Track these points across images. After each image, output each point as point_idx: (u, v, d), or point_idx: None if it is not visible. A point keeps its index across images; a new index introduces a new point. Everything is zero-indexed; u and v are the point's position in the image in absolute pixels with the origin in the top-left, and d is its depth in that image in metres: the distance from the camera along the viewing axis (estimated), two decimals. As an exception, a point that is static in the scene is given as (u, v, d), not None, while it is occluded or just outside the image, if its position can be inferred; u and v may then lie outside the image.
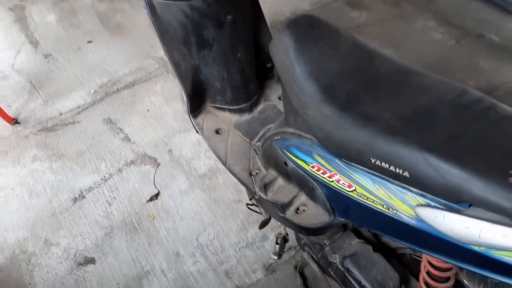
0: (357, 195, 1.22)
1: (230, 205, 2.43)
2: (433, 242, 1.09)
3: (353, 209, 1.33)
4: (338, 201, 1.38)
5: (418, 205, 1.06)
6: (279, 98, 2.13)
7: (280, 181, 1.71)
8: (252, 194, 1.97)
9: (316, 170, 1.36)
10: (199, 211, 2.41)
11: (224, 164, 1.96)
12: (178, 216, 2.40)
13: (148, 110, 3.00)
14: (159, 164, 2.66)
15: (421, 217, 1.06)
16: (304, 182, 1.51)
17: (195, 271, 2.17)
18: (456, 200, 0.98)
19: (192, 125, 2.10)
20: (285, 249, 1.91)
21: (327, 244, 1.58)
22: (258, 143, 1.98)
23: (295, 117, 1.43)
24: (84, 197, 2.51)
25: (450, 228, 1.00)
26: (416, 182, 1.04)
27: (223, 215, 2.39)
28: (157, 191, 2.52)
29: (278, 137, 1.57)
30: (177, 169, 2.63)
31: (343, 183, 1.25)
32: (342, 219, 1.43)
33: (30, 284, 2.12)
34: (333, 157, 1.24)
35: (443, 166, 0.95)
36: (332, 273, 1.56)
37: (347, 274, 1.48)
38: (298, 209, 1.55)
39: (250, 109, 2.11)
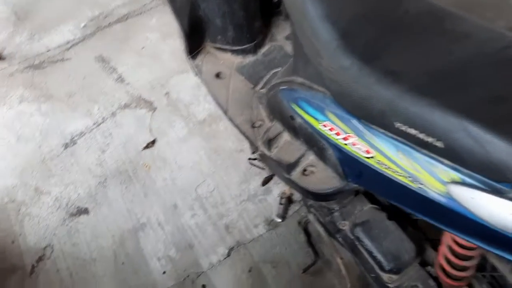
0: (375, 162, 1.05)
1: (231, 154, 2.28)
2: (464, 223, 0.93)
3: (369, 177, 1.17)
4: (352, 166, 1.21)
5: (451, 181, 0.88)
6: (287, 38, 1.88)
7: (286, 136, 1.54)
8: (254, 148, 1.81)
9: (329, 129, 1.18)
10: (198, 160, 2.28)
11: (225, 112, 1.78)
12: (176, 165, 2.27)
13: (143, 48, 2.76)
14: (156, 108, 2.49)
15: (452, 196, 0.90)
16: (313, 141, 1.34)
17: (193, 224, 2.08)
18: (498, 179, 0.80)
19: (191, 67, 1.89)
20: (290, 210, 1.79)
21: (336, 209, 1.44)
22: (263, 90, 1.78)
23: (305, 65, 1.22)
24: (75, 143, 2.37)
25: (488, 212, 0.84)
26: (450, 153, 0.86)
27: (224, 166, 2.25)
28: (153, 138, 2.37)
29: (285, 87, 1.37)
30: (174, 114, 2.46)
31: (359, 147, 1.07)
32: (356, 185, 1.27)
33: (20, 235, 2.06)
34: (350, 117, 1.06)
35: (484, 136, 0.77)
36: (340, 240, 1.44)
37: (357, 243, 1.35)
38: (305, 170, 1.40)
39: (254, 50, 1.88)
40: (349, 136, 1.09)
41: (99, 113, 2.48)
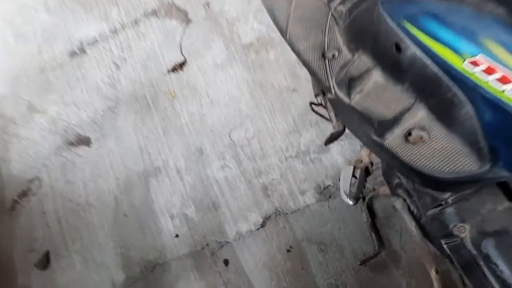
0: None
1: (281, 93, 1.77)
2: None
3: None
4: None
5: None
6: None
7: (378, 76, 1.06)
8: (321, 89, 1.30)
9: (482, 70, 0.68)
10: (238, 96, 1.79)
11: (283, 33, 1.28)
12: (208, 98, 1.79)
13: None
14: (190, 20, 1.96)
15: None
16: (433, 88, 0.84)
17: (222, 178, 1.64)
18: None
19: None
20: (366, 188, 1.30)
21: (450, 201, 0.93)
22: (341, 6, 1.24)
23: None
24: (84, 52, 1.91)
25: None
26: None
27: (270, 107, 1.76)
28: (183, 59, 1.87)
29: None
30: (214, 31, 1.93)
31: None
32: (506, 174, 0.76)
33: (4, 160, 1.68)
34: None
35: None
36: (445, 248, 0.95)
37: (481, 263, 0.86)
38: (409, 134, 0.90)
39: None
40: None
41: (118, 18, 1.98)
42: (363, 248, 1.50)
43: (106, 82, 1.84)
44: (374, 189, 1.61)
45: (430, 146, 0.87)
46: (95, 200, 1.61)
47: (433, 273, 1.03)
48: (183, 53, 1.89)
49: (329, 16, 1.26)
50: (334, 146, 1.68)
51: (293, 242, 1.52)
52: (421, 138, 0.90)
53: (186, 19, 1.97)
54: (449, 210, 0.93)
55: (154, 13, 1.99)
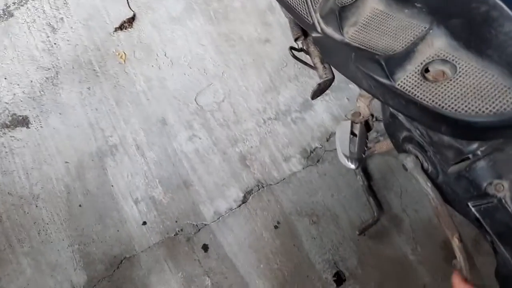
0: None
1: (251, 46, 1.53)
2: None
3: None
4: None
5: None
6: None
7: (376, 2, 0.85)
8: (301, 29, 1.07)
9: None
10: (201, 53, 1.53)
11: None
12: (166, 58, 1.52)
13: None
14: (136, -33, 1.66)
15: None
16: (460, 3, 0.63)
17: (191, 151, 1.40)
18: None
19: None
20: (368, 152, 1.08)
21: (480, 153, 0.73)
22: None
23: None
24: (11, 14, 1.59)
25: None
26: None
27: (240, 63, 1.51)
28: (132, 14, 1.59)
29: None
30: (165, -22, 1.64)
31: None
32: None
33: None
34: None
35: None
36: (475, 211, 0.76)
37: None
38: (427, 70, 0.69)
39: None
40: None
41: (49, -30, 1.66)
42: (360, 215, 1.33)
43: (42, 49, 1.54)
44: (368, 147, 1.42)
45: (459, 82, 0.66)
46: (41, 191, 1.35)
47: (455, 242, 0.85)
48: (131, 7, 1.60)
49: None
50: (317, 102, 1.46)
51: (281, 217, 1.33)
52: (443, 73, 0.70)
53: (131, -34, 1.67)
54: (481, 164, 0.74)
55: (92, -40, 1.68)
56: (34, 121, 1.44)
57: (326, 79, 1.06)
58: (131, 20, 1.58)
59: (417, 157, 0.89)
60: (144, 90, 1.49)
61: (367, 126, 0.98)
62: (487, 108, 0.61)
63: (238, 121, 1.45)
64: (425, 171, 0.88)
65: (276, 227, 1.33)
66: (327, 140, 1.43)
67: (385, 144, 1.34)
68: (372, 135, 1.39)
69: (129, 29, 1.57)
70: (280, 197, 1.36)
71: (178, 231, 1.32)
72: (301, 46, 1.14)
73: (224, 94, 1.48)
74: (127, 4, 1.60)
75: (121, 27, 1.57)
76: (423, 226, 1.32)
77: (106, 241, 1.31)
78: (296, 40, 1.15)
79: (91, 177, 1.38)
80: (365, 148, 0.94)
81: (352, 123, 0.96)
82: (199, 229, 1.32)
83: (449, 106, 0.64)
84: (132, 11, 1.59)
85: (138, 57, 1.53)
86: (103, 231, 1.31)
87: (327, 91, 1.45)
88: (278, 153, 1.41)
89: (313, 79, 1.47)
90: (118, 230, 1.32)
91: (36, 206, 1.34)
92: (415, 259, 1.28)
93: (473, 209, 0.77)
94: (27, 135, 1.42)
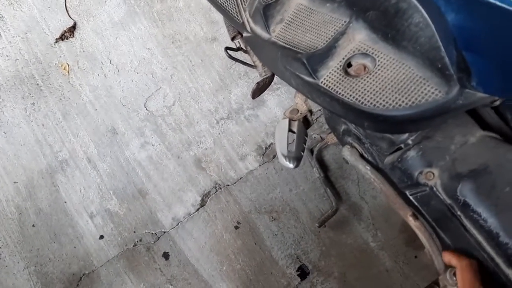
0: None
1: (198, 46, 1.51)
2: None
3: None
4: (496, 44, 0.50)
5: None
6: None
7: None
8: (236, 29, 1.06)
9: None
10: (147, 57, 1.50)
11: None
12: (111, 66, 1.49)
13: None
14: (73, -27, 1.61)
15: None
16: None
17: (144, 158, 1.39)
18: None
19: None
20: (310, 145, 1.08)
21: (411, 142, 0.74)
22: None
23: None
24: None
25: None
26: None
27: (188, 64, 1.49)
28: (72, 23, 1.54)
29: None
30: (104, -18, 1.60)
31: None
32: (481, 95, 0.57)
33: None
34: None
35: None
36: (413, 200, 0.77)
37: (458, 213, 0.68)
38: (349, 65, 0.68)
39: None
40: None
41: (-19, -16, 1.60)
42: (319, 207, 1.34)
43: (-21, 67, 1.49)
44: (321, 139, 1.43)
45: (378, 76, 0.67)
46: (-9, 215, 1.32)
47: (411, 221, 0.85)
48: (70, 15, 1.55)
49: None
50: (269, 97, 1.46)
51: (241, 217, 1.32)
52: (365, 67, 0.70)
53: (67, -28, 1.61)
54: (411, 154, 0.75)
55: (25, -29, 1.62)
56: (-22, 142, 1.40)
57: (265, 77, 1.05)
58: (72, 29, 1.54)
59: (356, 148, 0.89)
60: (90, 100, 1.45)
61: (306, 123, 0.98)
62: (403, 101, 0.61)
63: (190, 123, 1.43)
64: (366, 160, 0.88)
65: (236, 227, 1.33)
66: (274, 139, 1.42)
67: (336, 135, 1.34)
68: (324, 126, 1.39)
69: (70, 38, 1.53)
70: (239, 196, 1.36)
71: (137, 241, 1.30)
72: (239, 45, 1.13)
73: (174, 97, 1.46)
74: (66, 13, 1.55)
75: (62, 37, 1.53)
76: (381, 212, 1.34)
77: (63, 259, 1.29)
78: (233, 39, 1.13)
79: (42, 196, 1.35)
80: (304, 146, 0.93)
81: (290, 120, 0.95)
82: (159, 238, 1.31)
83: (368, 101, 0.64)
84: (72, 19, 1.55)
85: (82, 66, 1.49)
86: (59, 249, 1.29)
87: (278, 85, 1.45)
88: (234, 153, 1.40)
89: (263, 75, 1.46)
90: (74, 247, 1.29)
91: (-13, 231, 1.30)
92: (376, 245, 1.30)
93: (410, 197, 0.78)
94: (-29, 158, 1.38)
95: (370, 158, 0.88)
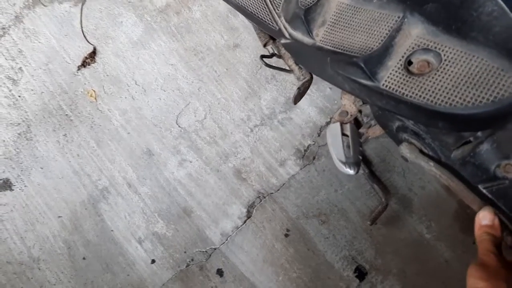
0: None
1: (221, 55, 1.48)
2: None
3: None
4: None
5: None
6: None
7: None
8: (269, 35, 1.03)
9: None
10: (172, 73, 1.47)
11: None
12: (138, 86, 1.47)
13: None
14: (85, -2, 1.59)
15: None
16: None
17: (184, 176, 1.37)
18: None
19: None
20: (363, 139, 1.04)
21: (482, 135, 0.70)
22: None
23: None
24: (-33, 75, 1.53)
25: None
26: None
27: (214, 75, 1.46)
28: (92, 48, 1.52)
29: None
30: (118, 3, 1.58)
31: None
32: None
33: None
34: None
35: None
36: (487, 193, 0.73)
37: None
38: (410, 63, 0.64)
39: None
40: None
41: (-5, 20, 1.59)
42: (368, 204, 1.30)
43: (7, 105, 1.48)
44: (361, 134, 1.39)
45: (447, 71, 0.63)
46: (40, 252, 1.32)
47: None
48: (89, 41, 1.53)
49: None
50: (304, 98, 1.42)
51: (289, 224, 1.30)
52: (428, 64, 0.66)
53: (79, -3, 1.59)
54: (485, 147, 0.71)
55: (37, 1, 1.61)
56: (17, 182, 1.39)
57: (304, 80, 1.01)
58: (93, 54, 1.52)
59: (414, 144, 0.86)
60: (122, 124, 1.44)
61: (357, 124, 0.94)
62: (483, 97, 0.57)
63: (225, 135, 1.41)
64: (427, 155, 0.84)
65: (286, 235, 1.30)
66: (319, 135, 1.39)
67: (378, 128, 1.30)
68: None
69: (92, 64, 1.51)
70: (284, 203, 1.33)
71: (189, 261, 1.29)
72: (272, 51, 1.09)
73: (204, 110, 1.43)
74: (84, 39, 1.53)
75: (84, 64, 1.51)
76: (432, 202, 1.30)
77: (118, 288, 1.27)
78: (265, 45, 1.10)
79: (88, 227, 1.34)
80: (361, 149, 0.90)
81: (341, 124, 0.92)
82: (210, 255, 1.29)
83: (442, 100, 0.60)
84: (91, 44, 1.53)
85: (109, 91, 1.47)
86: (113, 279, 1.28)
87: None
88: (272, 159, 1.37)
89: (291, 76, 1.42)
90: (128, 275, 1.28)
91: (39, 269, 1.30)
92: (431, 236, 1.26)
93: (484, 191, 0.74)
94: (12, 198, 1.38)
95: (431, 153, 0.84)
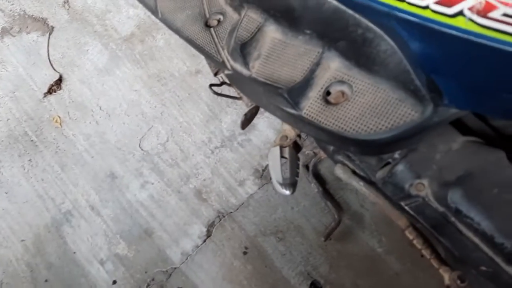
0: None
1: (183, 81, 1.55)
2: None
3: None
4: (462, 68, 0.54)
5: None
6: None
7: (273, 31, 0.88)
8: (217, 65, 1.09)
9: None
10: (135, 98, 1.54)
11: (155, 12, 1.05)
12: (102, 112, 1.53)
13: None
14: (53, 28, 1.66)
15: None
16: (340, 27, 0.68)
17: (146, 198, 1.42)
18: None
19: None
20: (305, 161, 1.11)
21: (398, 157, 0.77)
22: None
23: None
24: None
25: None
26: None
27: (176, 100, 1.53)
28: (58, 75, 1.58)
29: None
30: (84, 32, 1.64)
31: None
32: (455, 111, 0.61)
33: None
34: None
35: None
36: (409, 210, 0.80)
37: (452, 219, 0.71)
38: (328, 93, 0.72)
39: None
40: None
41: (-36, 50, 1.63)
42: (322, 221, 1.37)
43: (-27, 131, 1.51)
44: (315, 154, 1.46)
45: (356, 101, 0.70)
46: (3, 276, 1.35)
47: (408, 235, 0.88)
48: (55, 69, 1.59)
49: (201, -26, 1.04)
50: (259, 120, 1.49)
51: (248, 242, 1.35)
52: (343, 94, 0.73)
53: (47, 27, 1.66)
54: (400, 168, 0.78)
55: (6, 31, 1.66)
56: (-19, 207, 1.42)
57: (251, 107, 1.08)
58: (59, 81, 1.58)
59: (347, 166, 0.93)
60: (86, 148, 1.48)
61: (296, 147, 1.01)
62: (383, 125, 0.64)
63: (186, 157, 1.46)
64: (358, 175, 0.91)
65: (245, 253, 1.35)
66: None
67: (329, 148, 1.37)
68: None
69: (58, 91, 1.57)
70: (243, 222, 1.38)
71: (150, 281, 1.33)
72: (222, 80, 1.16)
73: (167, 134, 1.49)
74: (51, 67, 1.59)
75: (50, 91, 1.57)
76: (382, 217, 1.37)
77: (80, 310, 1.30)
78: (215, 75, 1.17)
79: (51, 250, 1.37)
80: (298, 171, 0.96)
81: (281, 147, 0.98)
82: (170, 274, 1.33)
83: (351, 128, 0.67)
84: (58, 72, 1.59)
85: (73, 117, 1.53)
86: (75, 301, 1.30)
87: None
88: (232, 179, 1.43)
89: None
90: (89, 296, 1.31)
91: (1, 293, 1.32)
92: (382, 250, 1.33)
93: (406, 207, 0.81)
94: (-23, 223, 1.40)
95: (362, 174, 0.91)
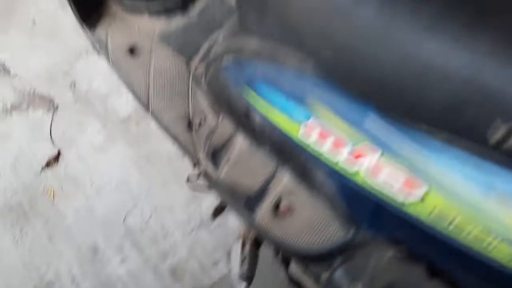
0: (428, 212, 0.52)
1: (170, 163, 1.69)
2: None
3: (406, 229, 0.63)
4: (369, 208, 0.67)
5: None
6: (230, -15, 1.29)
7: (242, 142, 1.01)
8: (195, 160, 1.22)
9: (318, 137, 0.65)
10: (125, 177, 1.67)
11: (146, 108, 1.20)
12: (93, 188, 1.65)
13: (34, 23, 2.05)
14: (57, 107, 1.83)
15: None
16: (287, 151, 0.81)
17: (124, 274, 1.50)
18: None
19: (90, 42, 1.30)
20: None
21: (339, 261, 0.88)
22: (201, 66, 1.20)
23: (261, 14, 0.69)
24: None
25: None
26: None
27: (162, 180, 1.66)
28: (56, 151, 1.72)
29: (231, 59, 0.86)
30: (86, 113, 1.82)
31: (391, 175, 0.54)
32: (373, 234, 0.73)
33: None
34: (365, 113, 0.53)
35: None
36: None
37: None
38: (277, 205, 0.85)
39: (183, 7, 1.29)
40: (363, 150, 0.55)
41: (-26, 122, 1.80)
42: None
43: (-28, 199, 1.63)
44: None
45: (298, 216, 0.83)
46: None
47: None
48: (55, 144, 1.74)
49: (190, 79, 1.21)
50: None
51: (216, 323, 1.41)
52: (290, 207, 0.86)
53: (52, 106, 1.84)
54: (339, 273, 0.88)
55: (15, 107, 1.84)
56: (-31, 273, 1.50)
57: (219, 205, 1.20)
58: (57, 156, 1.73)
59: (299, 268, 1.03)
60: (74, 221, 1.60)
61: (257, 243, 1.12)
62: (317, 240, 0.76)
63: (166, 235, 1.57)
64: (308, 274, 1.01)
65: (212, 334, 1.41)
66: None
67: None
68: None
69: (55, 165, 1.71)
70: (215, 302, 1.45)
71: None
72: (199, 172, 1.29)
73: (150, 211, 1.61)
74: (51, 142, 1.74)
75: (47, 165, 1.71)
76: None
77: None
78: (194, 165, 1.30)
79: (29, 320, 1.43)
80: (255, 265, 1.06)
81: (243, 243, 1.09)
82: None
83: (292, 240, 0.79)
84: (57, 148, 1.73)
85: (66, 190, 1.66)
86: None
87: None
88: (207, 260, 1.52)
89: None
90: None
91: None
92: None
93: (349, 310, 0.90)
94: (-38, 288, 1.47)
95: (310, 274, 1.01)
